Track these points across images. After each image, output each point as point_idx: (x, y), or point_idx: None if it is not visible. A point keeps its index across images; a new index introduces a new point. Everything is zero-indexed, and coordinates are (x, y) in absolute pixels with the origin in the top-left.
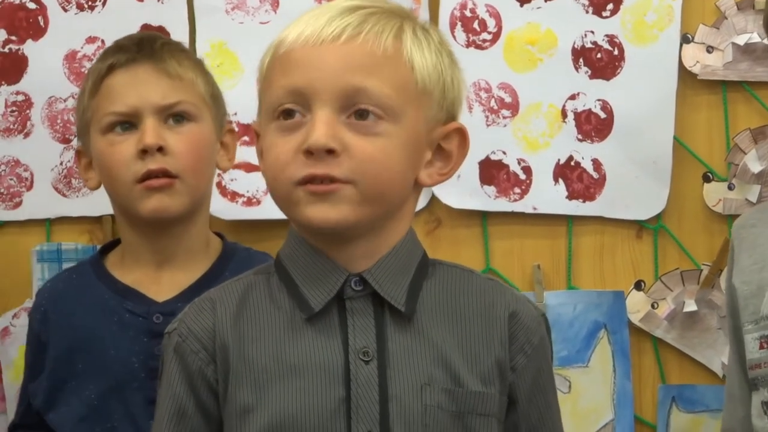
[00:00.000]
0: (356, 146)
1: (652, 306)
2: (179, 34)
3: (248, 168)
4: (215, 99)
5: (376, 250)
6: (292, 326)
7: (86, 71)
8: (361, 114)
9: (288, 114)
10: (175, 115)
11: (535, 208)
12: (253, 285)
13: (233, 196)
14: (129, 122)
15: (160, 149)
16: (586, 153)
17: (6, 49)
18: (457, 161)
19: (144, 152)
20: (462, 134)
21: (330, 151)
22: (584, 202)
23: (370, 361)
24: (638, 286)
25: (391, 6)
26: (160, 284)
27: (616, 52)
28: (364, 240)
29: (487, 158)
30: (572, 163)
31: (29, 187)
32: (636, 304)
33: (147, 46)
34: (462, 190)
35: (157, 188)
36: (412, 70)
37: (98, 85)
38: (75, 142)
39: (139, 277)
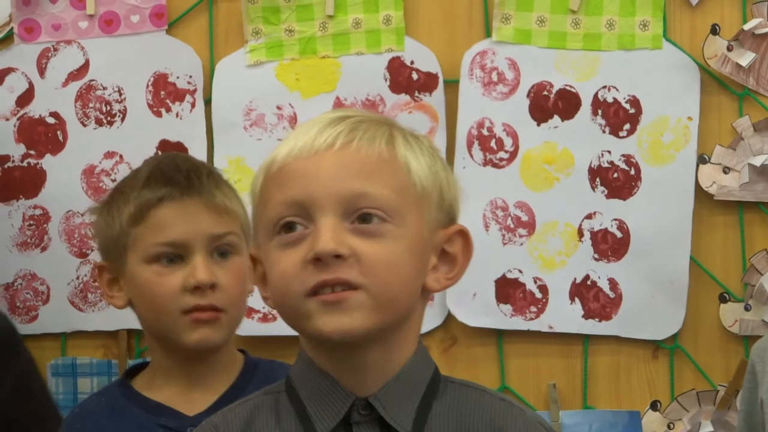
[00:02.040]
0: (364, 250)
1: (668, 426)
2: (197, 149)
3: None
4: (248, 226)
5: (386, 369)
6: None
7: (117, 189)
8: (365, 218)
9: (289, 227)
10: (221, 248)
11: (551, 327)
12: (261, 407)
13: (249, 311)
14: (176, 254)
15: (212, 286)
16: (602, 272)
17: (25, 163)
18: (463, 264)
19: (196, 288)
20: (465, 236)
21: (338, 257)
22: (600, 321)
23: None
24: (654, 406)
25: (378, 116)
26: (190, 401)
27: (632, 172)
28: (372, 357)
29: (504, 277)
30: (588, 282)
31: (45, 301)
32: (652, 425)
33: (196, 179)
34: (478, 309)
35: (204, 321)
36: (409, 172)
37: (144, 214)
38: (92, 256)
39: (169, 395)
